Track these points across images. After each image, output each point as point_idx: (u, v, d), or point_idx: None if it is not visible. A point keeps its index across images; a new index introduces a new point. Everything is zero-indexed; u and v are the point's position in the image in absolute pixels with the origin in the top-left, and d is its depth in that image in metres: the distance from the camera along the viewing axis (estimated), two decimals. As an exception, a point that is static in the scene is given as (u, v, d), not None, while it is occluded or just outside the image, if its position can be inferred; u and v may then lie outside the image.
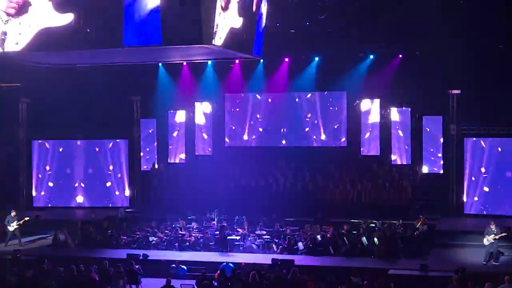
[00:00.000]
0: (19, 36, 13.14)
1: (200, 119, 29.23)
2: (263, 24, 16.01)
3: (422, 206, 25.83)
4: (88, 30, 12.65)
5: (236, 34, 14.23)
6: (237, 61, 26.54)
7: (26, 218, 23.89)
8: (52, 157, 29.97)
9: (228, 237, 22.20)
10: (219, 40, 13.54)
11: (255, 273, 16.15)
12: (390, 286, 15.66)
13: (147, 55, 19.20)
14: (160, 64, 27.81)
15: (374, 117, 27.19)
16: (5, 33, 13.13)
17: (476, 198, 25.73)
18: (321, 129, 28.01)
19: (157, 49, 16.15)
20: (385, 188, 25.37)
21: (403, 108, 26.90)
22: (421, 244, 21.79)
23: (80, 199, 29.73)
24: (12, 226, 23.19)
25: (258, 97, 28.71)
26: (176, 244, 22.50)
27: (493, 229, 19.80)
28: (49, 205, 29.66)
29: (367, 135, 27.26)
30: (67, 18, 12.88)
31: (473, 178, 25.71)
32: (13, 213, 23.46)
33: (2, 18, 13.18)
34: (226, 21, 13.65)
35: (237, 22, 14.29)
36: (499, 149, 25.56)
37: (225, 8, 13.54)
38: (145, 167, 29.42)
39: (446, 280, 16.97)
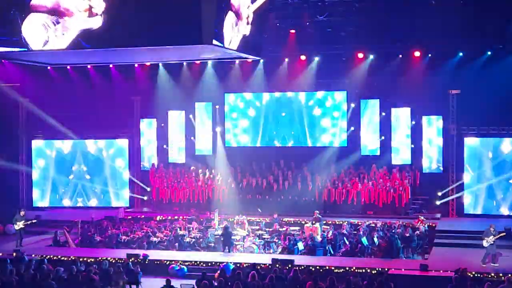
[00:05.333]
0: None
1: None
2: None
3: (422, 206, 25.87)
4: None
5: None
6: (237, 61, 26.52)
7: (34, 221, 24.02)
8: (52, 157, 30.01)
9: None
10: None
11: (255, 273, 16.14)
12: (390, 286, 15.64)
13: (147, 55, 19.27)
14: (160, 64, 27.80)
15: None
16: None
17: (475, 198, 25.76)
18: (321, 129, 27.99)
19: (157, 49, 16.23)
20: (385, 188, 25.38)
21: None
22: (421, 244, 21.79)
23: (80, 199, 29.74)
24: (18, 225, 23.26)
25: (258, 97, 28.68)
26: (176, 244, 22.50)
27: (492, 231, 19.80)
28: (49, 205, 29.66)
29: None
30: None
31: (470, 179, 25.78)
32: (22, 213, 23.62)
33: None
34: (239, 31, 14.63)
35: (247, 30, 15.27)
36: (499, 149, 25.57)
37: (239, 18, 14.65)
38: (145, 166, 29.42)
39: (446, 280, 16.97)
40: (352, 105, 27.49)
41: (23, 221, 23.38)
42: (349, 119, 27.61)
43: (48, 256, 20.43)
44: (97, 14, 14.71)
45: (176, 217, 25.17)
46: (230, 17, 14.99)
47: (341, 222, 23.36)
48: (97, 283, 16.25)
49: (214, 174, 27.75)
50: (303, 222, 23.72)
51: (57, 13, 14.89)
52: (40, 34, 15.10)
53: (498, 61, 24.10)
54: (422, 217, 23.30)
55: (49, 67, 26.32)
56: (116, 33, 15.03)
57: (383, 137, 27.09)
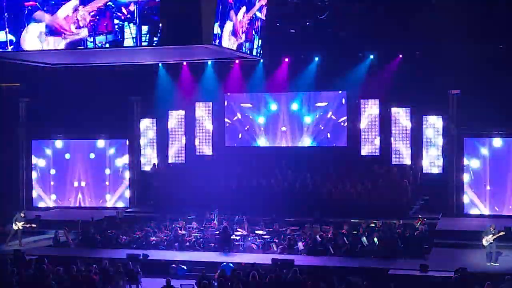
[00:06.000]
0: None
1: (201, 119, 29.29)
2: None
3: (422, 206, 25.86)
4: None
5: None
6: (237, 61, 26.54)
7: (34, 225, 24.03)
8: (52, 157, 30.03)
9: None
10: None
11: (255, 273, 16.15)
12: (390, 286, 15.66)
13: (147, 55, 19.27)
14: (160, 64, 27.80)
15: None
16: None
17: (475, 198, 25.75)
18: (321, 129, 28.01)
19: (157, 49, 16.24)
20: (385, 188, 25.37)
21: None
22: (421, 244, 21.78)
23: (80, 199, 29.74)
24: (17, 226, 23.32)
25: (258, 97, 28.69)
26: (176, 244, 22.50)
27: (492, 230, 19.84)
28: (49, 205, 29.66)
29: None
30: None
31: (472, 178, 25.75)
32: (22, 214, 23.71)
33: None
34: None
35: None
36: (499, 149, 25.58)
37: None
38: (145, 167, 29.43)
39: (446, 280, 17.00)
40: (352, 105, 27.51)
41: (23, 222, 23.44)
42: (350, 119, 27.61)
43: (48, 256, 20.41)
44: (83, 26, 15.10)
45: (176, 217, 25.15)
46: (228, 26, 15.18)
47: (341, 222, 23.35)
48: (97, 283, 16.26)
49: (214, 174, 27.75)
50: (303, 222, 23.72)
51: (53, 31, 15.33)
52: (36, 45, 15.61)
53: (498, 61, 24.07)
54: (421, 217, 23.29)
55: (49, 67, 26.30)
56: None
57: (383, 135, 27.11)
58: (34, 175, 30.02)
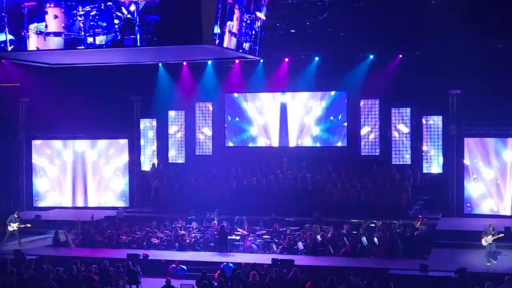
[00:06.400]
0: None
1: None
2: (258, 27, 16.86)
3: (422, 206, 25.86)
4: None
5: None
6: (237, 61, 26.54)
7: (28, 225, 23.99)
8: (52, 157, 30.04)
9: (228, 237, 22.22)
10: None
11: (255, 273, 16.16)
12: (390, 286, 15.66)
13: (147, 55, 19.28)
14: (160, 64, 27.81)
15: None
16: None
17: (475, 198, 25.76)
18: (321, 129, 28.01)
19: (157, 49, 16.26)
20: (385, 188, 25.37)
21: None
22: (421, 244, 21.79)
23: (79, 199, 29.75)
24: (12, 227, 23.28)
25: (258, 97, 28.69)
26: (176, 244, 22.50)
27: (491, 230, 19.84)
28: (49, 205, 29.66)
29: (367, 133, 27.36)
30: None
31: (472, 178, 25.75)
32: (16, 215, 23.63)
33: None
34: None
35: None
36: (499, 149, 25.58)
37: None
38: (145, 167, 29.45)
39: (446, 280, 16.99)
40: (352, 105, 27.52)
41: (17, 223, 23.39)
42: (349, 119, 27.63)
43: (48, 256, 20.42)
44: None
45: (176, 217, 25.14)
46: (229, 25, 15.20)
47: (341, 222, 23.34)
48: (97, 283, 16.26)
49: (214, 174, 27.76)
50: (303, 222, 23.72)
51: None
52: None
53: (498, 61, 24.06)
54: (420, 217, 23.29)
55: (49, 67, 26.29)
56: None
57: (383, 135, 27.11)
58: (34, 175, 30.01)
